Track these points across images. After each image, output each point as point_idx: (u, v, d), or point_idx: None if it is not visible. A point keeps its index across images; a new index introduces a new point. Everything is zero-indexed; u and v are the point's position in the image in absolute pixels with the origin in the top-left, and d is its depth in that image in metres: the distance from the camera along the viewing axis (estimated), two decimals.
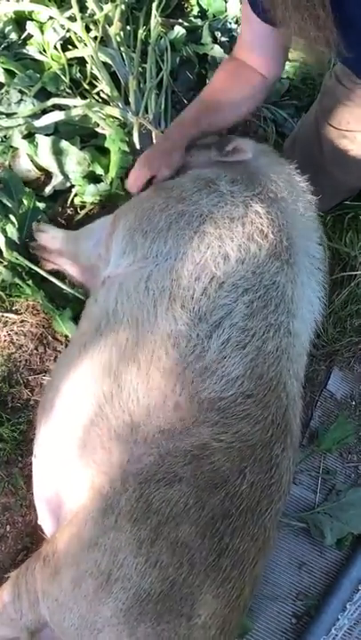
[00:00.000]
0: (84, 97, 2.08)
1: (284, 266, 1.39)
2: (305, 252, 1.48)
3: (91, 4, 2.07)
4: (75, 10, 1.95)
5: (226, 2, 2.37)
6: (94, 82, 2.10)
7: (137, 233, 1.43)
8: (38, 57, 2.11)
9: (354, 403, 1.88)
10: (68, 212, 2.00)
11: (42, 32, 2.10)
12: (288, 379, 1.31)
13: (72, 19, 2.01)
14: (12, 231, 1.82)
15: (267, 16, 1.37)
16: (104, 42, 2.09)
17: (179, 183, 1.52)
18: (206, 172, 1.54)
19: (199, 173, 1.53)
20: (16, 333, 1.79)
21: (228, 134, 1.94)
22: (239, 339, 1.28)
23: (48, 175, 1.99)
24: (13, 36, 2.13)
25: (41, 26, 2.11)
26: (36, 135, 1.93)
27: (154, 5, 2.15)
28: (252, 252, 1.36)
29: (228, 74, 1.71)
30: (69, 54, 2.08)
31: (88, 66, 2.07)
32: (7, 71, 2.03)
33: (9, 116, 1.99)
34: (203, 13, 2.39)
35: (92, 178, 1.97)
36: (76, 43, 2.08)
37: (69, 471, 1.27)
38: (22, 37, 2.14)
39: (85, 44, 2.02)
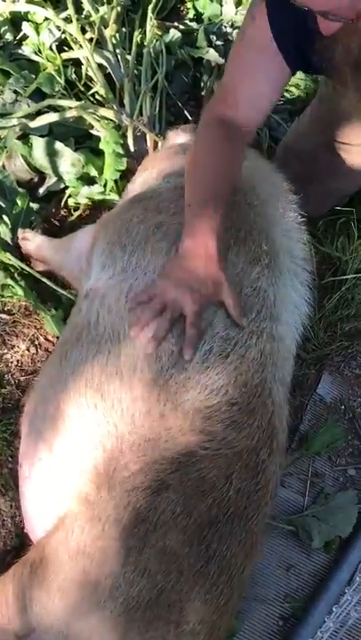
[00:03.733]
0: (78, 98, 2.09)
1: (264, 270, 1.37)
2: (288, 253, 1.47)
3: (87, 6, 2.08)
4: (70, 11, 1.95)
5: (221, 5, 2.38)
6: (89, 83, 2.11)
7: (116, 246, 1.41)
8: (34, 58, 2.11)
9: (343, 407, 1.89)
10: (62, 213, 2.01)
11: (37, 33, 2.10)
12: (273, 384, 1.30)
13: (68, 20, 2.02)
14: (5, 232, 1.82)
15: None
16: (99, 44, 2.09)
17: (157, 192, 1.51)
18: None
19: (178, 181, 1.51)
20: (8, 334, 1.79)
21: None
22: (221, 348, 1.26)
23: (42, 176, 1.99)
24: (9, 37, 2.14)
25: (36, 26, 2.11)
26: (31, 136, 1.94)
27: (150, 8, 2.16)
28: (230, 260, 1.35)
29: (217, 145, 1.42)
30: (65, 55, 2.09)
31: (83, 67, 2.08)
32: (2, 71, 2.04)
33: (3, 116, 1.99)
34: (198, 17, 2.40)
35: (87, 179, 1.97)
36: (72, 44, 2.08)
37: (55, 480, 1.26)
38: (18, 38, 2.15)
39: (81, 46, 2.02)
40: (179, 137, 1.85)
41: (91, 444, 1.22)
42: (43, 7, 2.07)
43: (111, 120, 1.99)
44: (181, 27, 2.31)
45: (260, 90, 1.44)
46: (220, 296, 1.27)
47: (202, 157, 1.40)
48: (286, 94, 2.33)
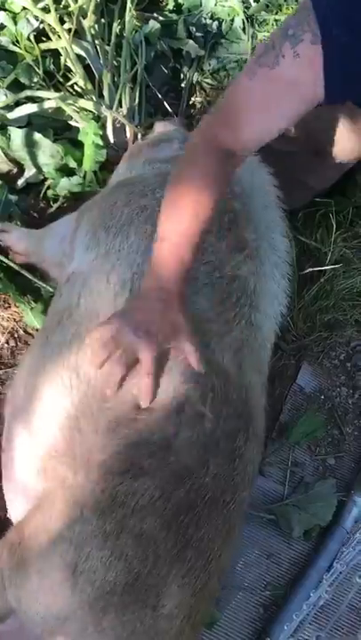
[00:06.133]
0: (57, 89, 2.07)
1: (246, 259, 1.39)
2: (269, 244, 1.49)
3: None
4: (49, 1, 1.93)
5: None
6: (68, 74, 2.09)
7: (100, 228, 1.43)
8: (11, 48, 2.08)
9: (323, 397, 1.91)
10: (41, 204, 1.99)
11: (15, 23, 2.07)
12: (249, 371, 1.32)
13: (46, 10, 1.99)
14: None
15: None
16: (78, 34, 2.07)
17: (142, 177, 1.52)
18: (170, 166, 1.54)
19: (163, 168, 1.53)
20: None
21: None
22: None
23: (21, 168, 1.98)
24: None
25: (14, 16, 2.08)
26: (9, 127, 1.92)
27: None
28: (213, 245, 1.36)
29: (206, 177, 1.23)
30: (43, 46, 2.06)
31: (62, 58, 2.06)
32: None
33: None
34: (178, 8, 2.39)
35: (66, 171, 1.96)
36: (50, 34, 2.06)
37: (33, 463, 1.27)
38: None
39: (59, 36, 2.00)
40: (166, 128, 1.86)
41: (67, 425, 1.23)
42: None
43: (90, 111, 1.98)
44: (161, 18, 2.30)
45: (271, 126, 1.24)
46: (179, 341, 1.21)
47: (187, 189, 1.23)
48: None
